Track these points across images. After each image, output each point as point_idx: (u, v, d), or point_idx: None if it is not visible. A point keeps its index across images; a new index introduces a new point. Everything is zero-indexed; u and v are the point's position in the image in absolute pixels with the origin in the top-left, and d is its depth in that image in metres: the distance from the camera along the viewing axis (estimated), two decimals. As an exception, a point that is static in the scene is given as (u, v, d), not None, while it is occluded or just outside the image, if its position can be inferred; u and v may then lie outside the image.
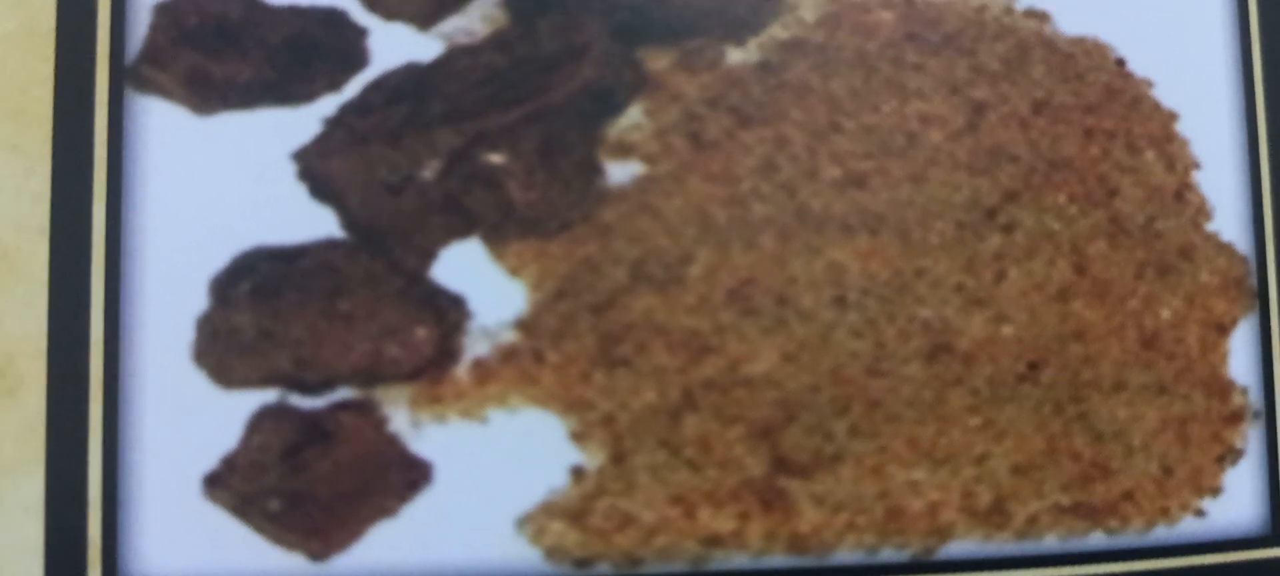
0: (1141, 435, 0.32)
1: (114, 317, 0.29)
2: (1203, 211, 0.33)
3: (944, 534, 0.31)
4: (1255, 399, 0.33)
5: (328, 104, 0.30)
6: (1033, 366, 0.32)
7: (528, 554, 0.30)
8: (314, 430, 0.29)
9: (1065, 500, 0.32)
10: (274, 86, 0.30)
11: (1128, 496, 0.32)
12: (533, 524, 0.30)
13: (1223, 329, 0.33)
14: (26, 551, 0.29)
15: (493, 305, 0.30)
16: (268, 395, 0.29)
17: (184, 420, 0.29)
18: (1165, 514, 0.32)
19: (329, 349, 0.30)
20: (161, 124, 0.30)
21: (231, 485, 0.29)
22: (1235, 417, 0.33)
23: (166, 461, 0.29)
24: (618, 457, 0.30)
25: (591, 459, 0.30)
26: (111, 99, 0.30)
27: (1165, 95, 0.33)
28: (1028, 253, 0.32)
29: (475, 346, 0.30)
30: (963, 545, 0.31)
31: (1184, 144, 0.33)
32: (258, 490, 0.29)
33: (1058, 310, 0.32)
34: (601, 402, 0.30)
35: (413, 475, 0.30)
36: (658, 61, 0.31)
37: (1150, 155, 0.33)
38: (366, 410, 0.30)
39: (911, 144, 0.32)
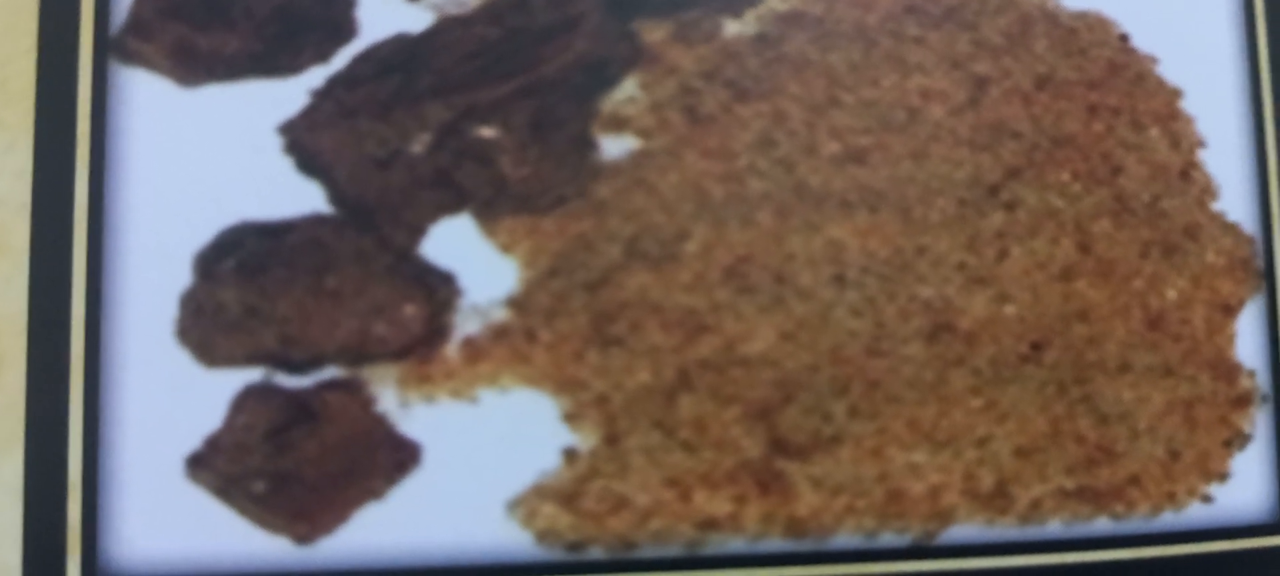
0: (1147, 418, 0.32)
1: (96, 295, 0.29)
2: (1208, 190, 0.33)
3: (945, 517, 0.30)
4: (1263, 382, 0.32)
5: (316, 76, 0.30)
6: (1036, 347, 0.31)
7: (519, 537, 0.29)
8: (300, 410, 0.29)
9: (1069, 484, 0.31)
10: (261, 58, 0.30)
11: (1133, 480, 0.31)
12: (524, 506, 0.29)
13: (1229, 310, 0.32)
14: (5, 532, 0.28)
15: (484, 282, 0.30)
16: (253, 374, 0.29)
17: (167, 399, 0.29)
18: (1171, 499, 0.32)
19: (316, 327, 0.29)
20: (146, 97, 0.29)
21: (215, 466, 0.29)
22: (1243, 401, 0.32)
23: (149, 441, 0.28)
24: (611, 439, 0.29)
25: (584, 440, 0.29)
26: (95, 72, 0.29)
27: (1170, 72, 0.33)
28: (1030, 231, 0.31)
29: (465, 324, 0.29)
30: (964, 529, 0.31)
31: (1189, 122, 0.33)
32: (242, 471, 0.29)
33: (1061, 290, 0.31)
34: (595, 382, 0.30)
35: (401, 456, 0.29)
36: (653, 33, 0.31)
37: (1155, 133, 0.32)
38: (354, 389, 0.29)
39: (912, 119, 0.31)
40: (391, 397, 0.29)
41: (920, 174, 0.31)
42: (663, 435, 0.30)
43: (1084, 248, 0.32)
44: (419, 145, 0.30)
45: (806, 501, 0.30)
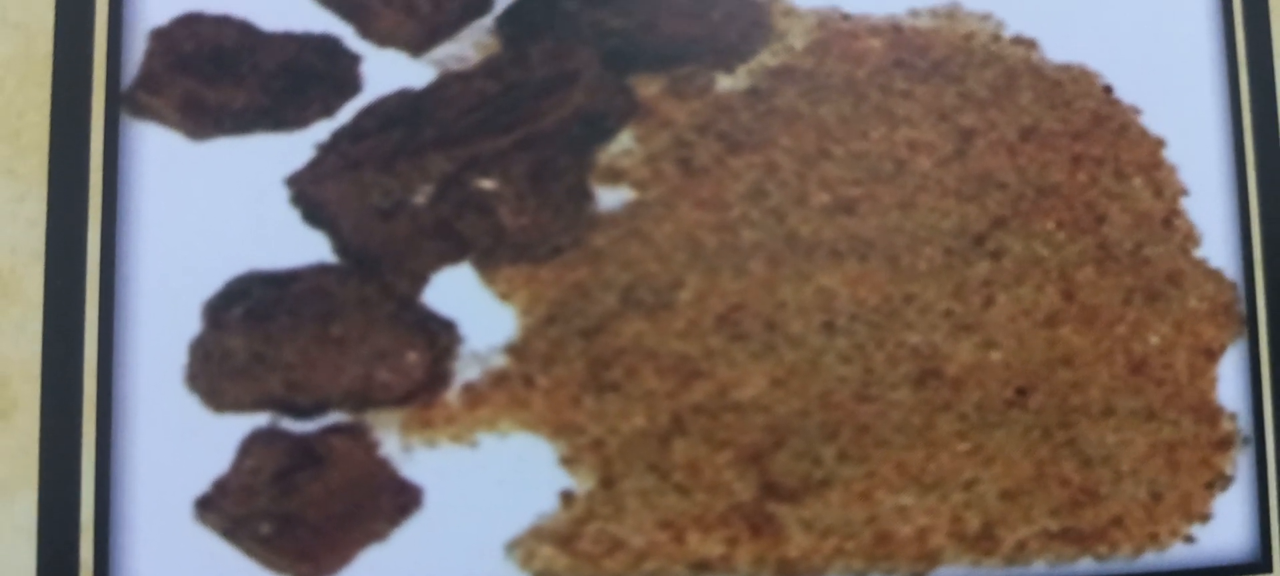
0: (1130, 460, 0.32)
1: (108, 341, 0.29)
2: (1191, 237, 0.33)
3: (933, 559, 0.31)
4: (1244, 425, 0.33)
5: (321, 129, 0.30)
6: (1021, 392, 0.32)
7: (517, 577, 0.30)
8: (305, 454, 0.30)
9: (1054, 525, 0.32)
10: (268, 112, 0.30)
11: (1117, 522, 0.32)
12: (522, 548, 0.30)
13: (1211, 354, 0.33)
14: (19, 572, 0.29)
15: (483, 330, 0.30)
16: (259, 419, 0.30)
17: (176, 443, 0.29)
18: (1154, 539, 0.32)
19: (321, 373, 0.30)
20: (156, 149, 0.30)
21: (223, 508, 0.29)
22: (1224, 443, 0.33)
23: (158, 484, 0.29)
24: (607, 482, 0.30)
25: (581, 483, 0.30)
26: (107, 124, 0.30)
27: (1153, 122, 0.33)
28: (1016, 278, 0.32)
29: (466, 371, 0.30)
30: (951, 570, 0.31)
31: (1172, 170, 0.33)
32: (249, 513, 0.29)
33: (1046, 336, 0.32)
34: (591, 427, 0.30)
35: (403, 499, 0.30)
36: (648, 88, 0.31)
37: (1138, 182, 0.33)
38: (358, 434, 0.30)
39: (900, 170, 0.32)
40: (394, 442, 0.30)
41: (908, 223, 0.32)
42: (657, 478, 0.30)
43: (1068, 295, 0.32)
44: (421, 196, 0.30)
45: (797, 543, 0.31)
